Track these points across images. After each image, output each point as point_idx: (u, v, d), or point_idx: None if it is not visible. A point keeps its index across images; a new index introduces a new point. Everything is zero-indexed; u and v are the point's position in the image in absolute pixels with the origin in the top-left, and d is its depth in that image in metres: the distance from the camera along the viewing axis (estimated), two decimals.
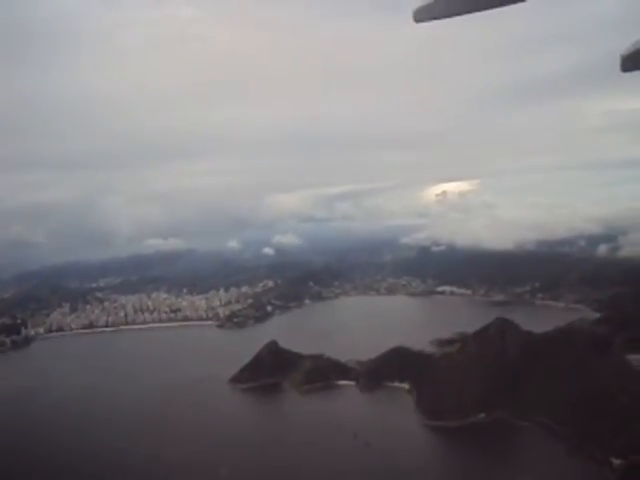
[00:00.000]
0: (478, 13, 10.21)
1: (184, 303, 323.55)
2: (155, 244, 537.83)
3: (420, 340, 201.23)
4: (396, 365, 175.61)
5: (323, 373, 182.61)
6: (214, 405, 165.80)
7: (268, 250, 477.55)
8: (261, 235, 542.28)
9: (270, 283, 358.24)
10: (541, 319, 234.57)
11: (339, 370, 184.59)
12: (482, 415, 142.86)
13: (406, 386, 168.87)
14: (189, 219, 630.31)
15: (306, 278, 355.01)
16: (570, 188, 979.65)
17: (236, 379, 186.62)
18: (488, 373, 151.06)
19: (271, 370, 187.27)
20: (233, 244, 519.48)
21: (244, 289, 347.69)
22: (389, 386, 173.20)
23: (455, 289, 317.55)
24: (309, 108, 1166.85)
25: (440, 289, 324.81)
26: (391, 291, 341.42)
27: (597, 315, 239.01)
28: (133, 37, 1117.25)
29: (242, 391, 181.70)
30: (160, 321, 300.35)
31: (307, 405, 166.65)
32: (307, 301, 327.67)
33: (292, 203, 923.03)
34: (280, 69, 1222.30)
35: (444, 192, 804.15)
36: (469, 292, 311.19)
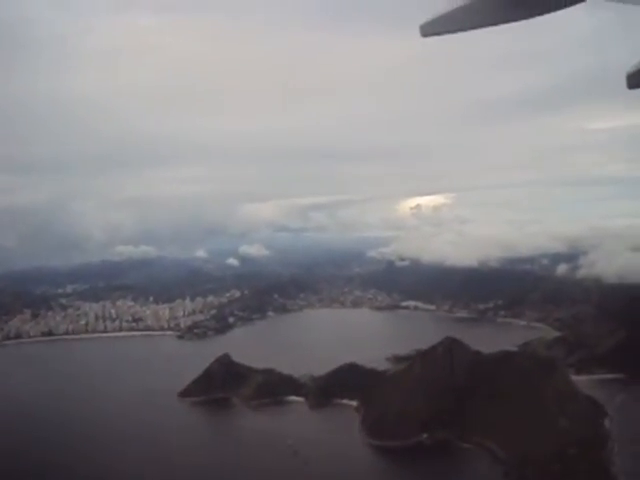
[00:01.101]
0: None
1: (148, 312, 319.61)
2: (126, 251, 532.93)
3: (377, 356, 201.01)
4: (347, 382, 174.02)
5: (273, 388, 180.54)
6: (158, 419, 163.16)
7: (235, 260, 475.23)
8: (233, 244, 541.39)
9: (237, 293, 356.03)
10: (500, 337, 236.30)
11: (290, 385, 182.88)
12: (425, 436, 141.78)
13: (355, 404, 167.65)
14: (162, 226, 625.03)
15: (271, 289, 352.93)
16: (543, 205, 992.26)
17: (186, 392, 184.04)
18: (434, 393, 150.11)
19: (221, 384, 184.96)
20: (203, 253, 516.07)
21: (210, 299, 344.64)
22: (339, 403, 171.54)
23: (420, 304, 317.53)
24: (284, 119, 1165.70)
25: (405, 304, 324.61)
26: (356, 304, 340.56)
27: (557, 334, 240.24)
28: (99, 44, 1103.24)
29: (190, 405, 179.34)
30: (121, 330, 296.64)
31: (252, 421, 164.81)
32: (270, 313, 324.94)
33: (266, 212, 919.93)
34: (255, 80, 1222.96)
35: (419, 205, 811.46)
36: (433, 307, 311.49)
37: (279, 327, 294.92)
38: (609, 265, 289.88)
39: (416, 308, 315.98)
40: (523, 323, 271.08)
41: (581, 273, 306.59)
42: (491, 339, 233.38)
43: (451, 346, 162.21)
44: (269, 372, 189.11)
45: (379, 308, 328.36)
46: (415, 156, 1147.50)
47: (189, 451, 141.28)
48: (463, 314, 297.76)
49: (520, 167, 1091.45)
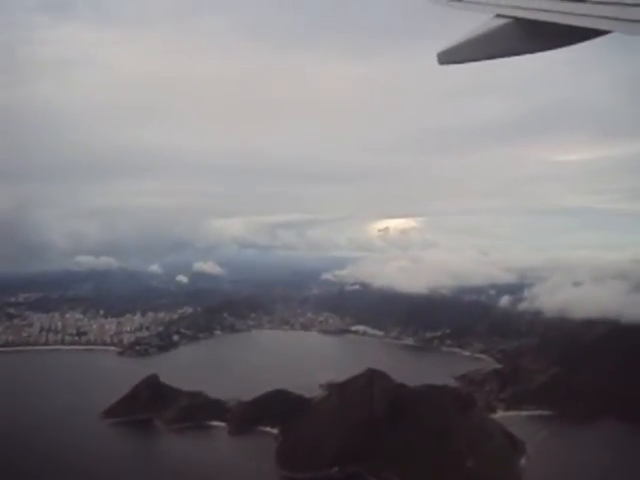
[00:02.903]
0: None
1: (94, 326, 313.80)
2: (86, 261, 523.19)
3: (312, 382, 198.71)
4: (271, 409, 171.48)
5: (197, 412, 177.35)
6: (74, 438, 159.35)
7: (191, 276, 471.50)
8: (197, 259, 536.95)
9: (190, 310, 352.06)
10: (441, 367, 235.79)
11: (215, 410, 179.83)
12: (335, 469, 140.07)
13: (275, 432, 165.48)
14: (125, 238, 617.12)
15: (223, 308, 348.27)
16: (507, 233, 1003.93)
17: (109, 412, 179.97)
18: (350, 425, 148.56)
19: (146, 405, 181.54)
20: (162, 267, 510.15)
21: (161, 315, 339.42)
22: (260, 430, 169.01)
23: (368, 329, 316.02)
24: (255, 138, 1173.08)
25: (354, 328, 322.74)
26: (305, 327, 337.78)
27: (497, 366, 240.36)
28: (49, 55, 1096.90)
29: (111, 425, 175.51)
30: (63, 343, 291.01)
31: (169, 445, 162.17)
32: (218, 332, 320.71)
33: (233, 228, 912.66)
34: (223, 98, 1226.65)
35: (387, 228, 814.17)
36: (381, 333, 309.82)
37: (223, 347, 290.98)
38: (550, 299, 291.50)
39: (364, 333, 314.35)
40: (467, 354, 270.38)
41: (523, 306, 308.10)
42: (431, 369, 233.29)
43: (373, 377, 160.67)
44: (196, 395, 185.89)
45: (327, 332, 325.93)
46: (385, 179, 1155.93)
47: (97, 472, 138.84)
48: (410, 342, 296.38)
49: (487, 195, 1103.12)
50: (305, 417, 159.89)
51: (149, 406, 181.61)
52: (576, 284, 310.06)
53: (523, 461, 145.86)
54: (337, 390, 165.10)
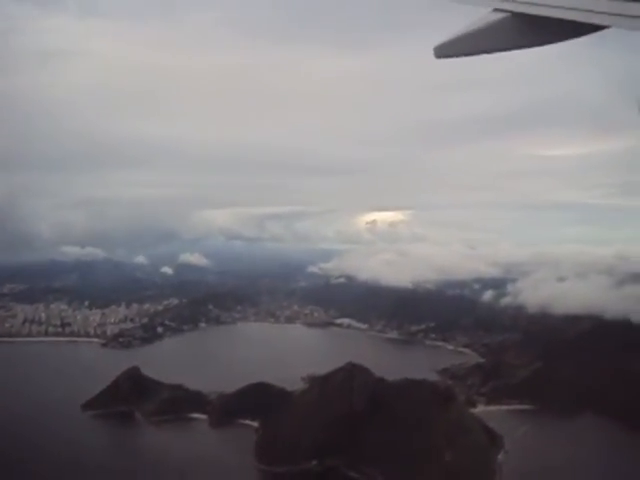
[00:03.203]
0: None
1: (78, 317, 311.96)
2: (73, 252, 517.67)
3: (294, 375, 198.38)
4: (252, 401, 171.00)
5: (178, 404, 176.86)
6: (53, 430, 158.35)
7: (179, 267, 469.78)
8: (185, 250, 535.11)
9: (175, 302, 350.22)
10: (424, 361, 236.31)
11: (196, 402, 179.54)
12: (314, 462, 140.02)
13: (256, 425, 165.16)
14: (113, 229, 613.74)
15: (208, 300, 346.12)
16: (496, 227, 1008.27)
17: (90, 404, 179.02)
18: (330, 419, 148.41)
19: (126, 398, 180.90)
20: (149, 258, 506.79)
21: (146, 306, 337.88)
22: (241, 423, 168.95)
23: (353, 322, 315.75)
24: (244, 130, 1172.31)
25: (339, 321, 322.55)
26: (290, 320, 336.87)
27: (480, 360, 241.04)
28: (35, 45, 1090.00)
29: (91, 417, 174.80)
30: (47, 335, 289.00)
31: (148, 437, 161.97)
32: (203, 324, 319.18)
33: (222, 220, 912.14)
34: (220, 90, 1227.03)
35: (374, 221, 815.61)
36: (365, 327, 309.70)
37: (207, 340, 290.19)
38: (534, 294, 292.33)
39: (349, 326, 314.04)
40: (451, 347, 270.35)
41: (506, 301, 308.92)
42: (414, 362, 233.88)
43: (353, 372, 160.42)
44: (177, 388, 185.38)
45: (312, 324, 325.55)
46: (375, 172, 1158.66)
47: (74, 463, 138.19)
48: (394, 335, 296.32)
49: (478, 189, 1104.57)
50: (285, 410, 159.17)
51: (130, 398, 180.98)
52: (560, 279, 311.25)
53: (500, 456, 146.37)
54: (317, 384, 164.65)
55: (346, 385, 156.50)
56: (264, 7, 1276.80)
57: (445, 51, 11.44)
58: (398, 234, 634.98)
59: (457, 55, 11.39)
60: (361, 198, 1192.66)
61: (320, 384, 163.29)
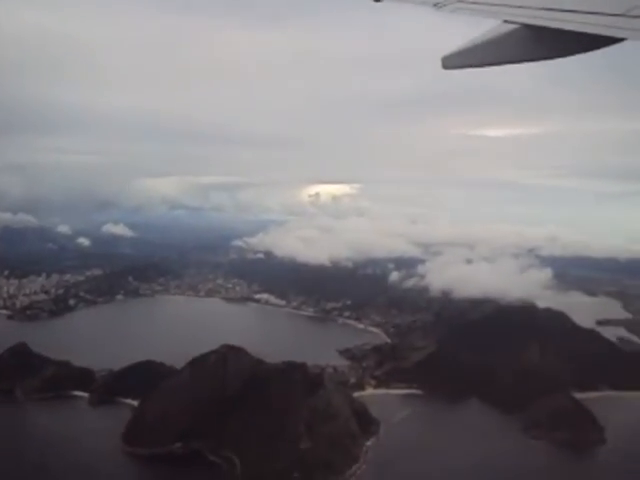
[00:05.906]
0: None
1: None
2: (3, 218, 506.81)
3: (193, 352, 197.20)
4: (135, 380, 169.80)
5: (61, 382, 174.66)
6: None
7: (109, 237, 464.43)
8: (122, 219, 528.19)
9: (98, 272, 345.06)
10: (331, 339, 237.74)
11: (80, 380, 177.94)
12: (178, 445, 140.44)
13: (136, 405, 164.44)
14: (48, 196, 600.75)
15: (128, 271, 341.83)
16: (435, 204, 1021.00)
17: None
18: (200, 402, 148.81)
19: (10, 374, 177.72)
20: (77, 227, 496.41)
21: (67, 277, 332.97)
22: (122, 402, 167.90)
23: (272, 298, 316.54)
24: (185, 100, 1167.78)
25: (258, 296, 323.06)
26: (210, 293, 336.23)
27: (388, 341, 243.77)
28: None
29: None
30: None
31: (21, 415, 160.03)
32: (120, 297, 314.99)
33: (164, 188, 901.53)
34: (153, 59, 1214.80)
35: (317, 194, 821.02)
36: (283, 302, 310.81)
37: (119, 313, 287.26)
38: (438, 277, 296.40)
39: (267, 302, 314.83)
40: (361, 326, 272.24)
41: (413, 281, 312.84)
42: (321, 340, 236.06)
43: (227, 355, 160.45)
44: (64, 364, 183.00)
45: (230, 299, 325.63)
46: (310, 147, 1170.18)
47: None
48: (310, 312, 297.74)
49: (415, 166, 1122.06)
50: (160, 391, 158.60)
51: (14, 375, 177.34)
52: (468, 261, 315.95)
53: (370, 442, 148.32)
54: (189, 365, 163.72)
55: (219, 367, 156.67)
56: None
57: (453, 62, 11.36)
58: (341, 207, 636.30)
59: (465, 66, 11.29)
60: (300, 171, 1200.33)
61: (190, 367, 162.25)
